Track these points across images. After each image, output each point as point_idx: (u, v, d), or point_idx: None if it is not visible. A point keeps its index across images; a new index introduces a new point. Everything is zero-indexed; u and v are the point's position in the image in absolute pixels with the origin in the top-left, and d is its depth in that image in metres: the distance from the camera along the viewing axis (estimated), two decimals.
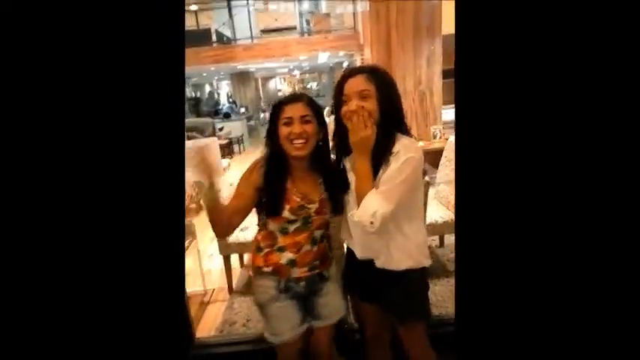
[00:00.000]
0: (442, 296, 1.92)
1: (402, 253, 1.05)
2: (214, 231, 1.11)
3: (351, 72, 1.02)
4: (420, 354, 1.15)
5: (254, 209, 1.12)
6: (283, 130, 1.03)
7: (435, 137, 3.47)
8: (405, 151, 0.97)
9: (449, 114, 4.56)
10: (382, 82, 1.00)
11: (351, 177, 1.05)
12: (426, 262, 1.09)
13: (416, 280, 1.08)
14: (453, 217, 2.01)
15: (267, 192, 1.06)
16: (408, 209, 1.03)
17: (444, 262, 2.28)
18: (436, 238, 2.45)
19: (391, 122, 1.00)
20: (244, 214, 1.09)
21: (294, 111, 1.03)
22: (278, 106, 1.06)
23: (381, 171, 0.99)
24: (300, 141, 1.02)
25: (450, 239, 2.40)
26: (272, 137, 1.07)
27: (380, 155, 0.99)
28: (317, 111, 1.07)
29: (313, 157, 1.09)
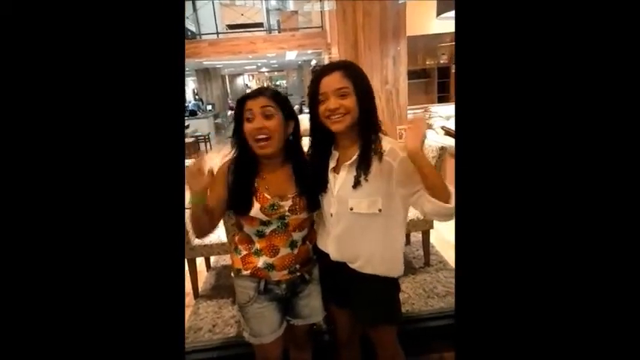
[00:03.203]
0: (408, 293, 1.97)
1: (382, 259, 1.04)
2: (195, 232, 1.06)
3: (327, 69, 0.99)
4: (390, 356, 1.16)
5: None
6: (246, 127, 1.00)
7: (401, 137, 3.54)
8: (396, 150, 0.96)
9: (413, 114, 4.66)
10: (358, 78, 0.98)
11: (332, 177, 1.03)
12: (402, 270, 1.09)
13: (388, 283, 1.08)
14: (419, 215, 2.06)
15: (234, 190, 1.03)
16: (396, 213, 1.02)
17: (410, 259, 2.33)
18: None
19: (369, 119, 0.99)
20: (221, 214, 1.06)
21: (255, 104, 0.99)
22: (241, 101, 1.03)
23: (373, 169, 0.97)
24: (262, 137, 0.99)
25: (416, 236, 2.45)
26: (238, 135, 1.04)
27: (367, 154, 0.97)
28: (283, 104, 1.02)
29: (286, 153, 1.06)
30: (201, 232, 1.05)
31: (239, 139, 1.04)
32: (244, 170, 1.04)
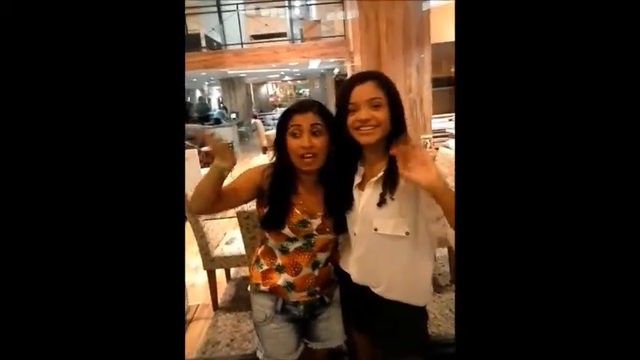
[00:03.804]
0: (434, 313, 1.87)
1: (407, 286, 0.98)
2: (193, 203, 0.97)
3: (359, 78, 0.94)
4: None
5: (258, 223, 1.05)
6: (291, 143, 0.95)
7: (425, 146, 3.44)
8: None
9: (438, 123, 4.54)
10: (391, 89, 0.93)
11: (357, 194, 0.98)
12: (429, 298, 1.02)
13: (414, 311, 1.00)
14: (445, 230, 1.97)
15: (271, 205, 0.99)
16: (424, 236, 0.96)
17: (435, 276, 2.23)
18: None
19: (399, 132, 0.93)
20: (232, 204, 1.01)
21: (304, 120, 0.94)
22: (287, 114, 0.97)
23: (399, 188, 0.90)
24: (309, 156, 0.94)
25: (441, 252, 2.35)
26: (280, 148, 0.99)
27: (395, 171, 0.89)
28: (329, 121, 0.97)
29: (322, 170, 1.00)
30: (199, 204, 0.95)
31: (280, 152, 0.99)
32: (283, 185, 0.99)
